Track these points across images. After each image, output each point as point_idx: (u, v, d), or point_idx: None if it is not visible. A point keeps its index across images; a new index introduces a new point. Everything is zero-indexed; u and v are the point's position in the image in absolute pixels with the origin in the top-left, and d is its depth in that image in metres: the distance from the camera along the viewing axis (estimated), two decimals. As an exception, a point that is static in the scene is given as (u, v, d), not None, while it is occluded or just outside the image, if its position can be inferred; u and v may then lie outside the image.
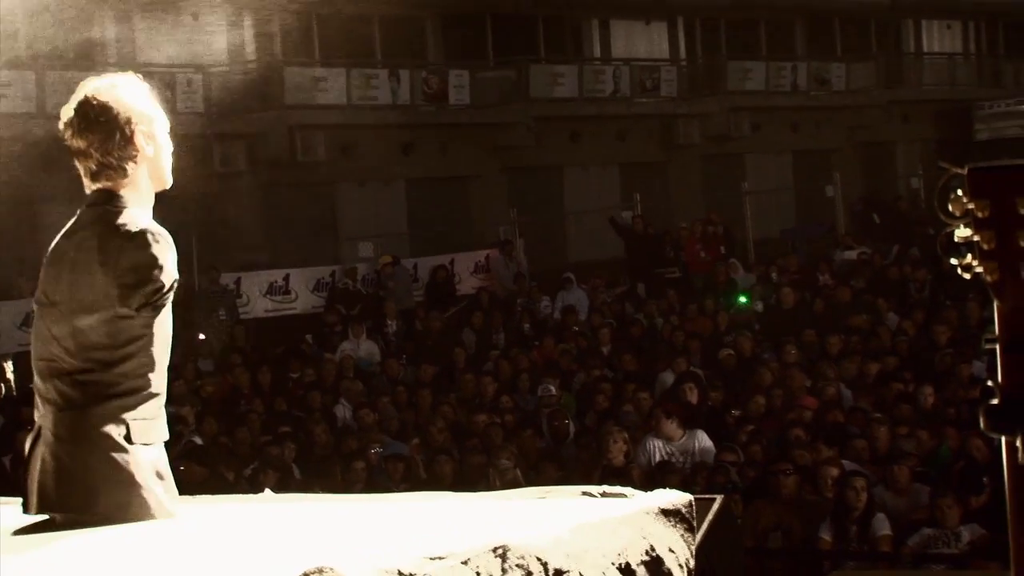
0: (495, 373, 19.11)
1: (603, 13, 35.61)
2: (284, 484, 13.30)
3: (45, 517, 4.56)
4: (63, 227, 4.64)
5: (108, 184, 4.54)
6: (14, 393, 20.19)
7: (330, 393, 18.59)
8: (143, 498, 4.46)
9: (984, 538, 11.64)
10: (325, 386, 18.94)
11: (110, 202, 4.53)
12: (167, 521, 4.47)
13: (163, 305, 4.50)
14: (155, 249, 4.43)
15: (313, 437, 16.37)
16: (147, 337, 4.49)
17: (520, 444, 15.32)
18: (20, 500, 4.79)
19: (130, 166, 4.55)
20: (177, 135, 4.75)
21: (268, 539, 4.21)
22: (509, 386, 18.44)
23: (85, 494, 4.46)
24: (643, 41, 36.70)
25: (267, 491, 5.16)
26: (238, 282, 24.93)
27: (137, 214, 4.51)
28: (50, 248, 4.63)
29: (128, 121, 4.54)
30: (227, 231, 26.32)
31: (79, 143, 4.54)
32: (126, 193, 4.54)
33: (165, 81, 23.84)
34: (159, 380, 4.55)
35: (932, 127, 40.13)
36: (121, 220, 4.48)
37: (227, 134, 27.12)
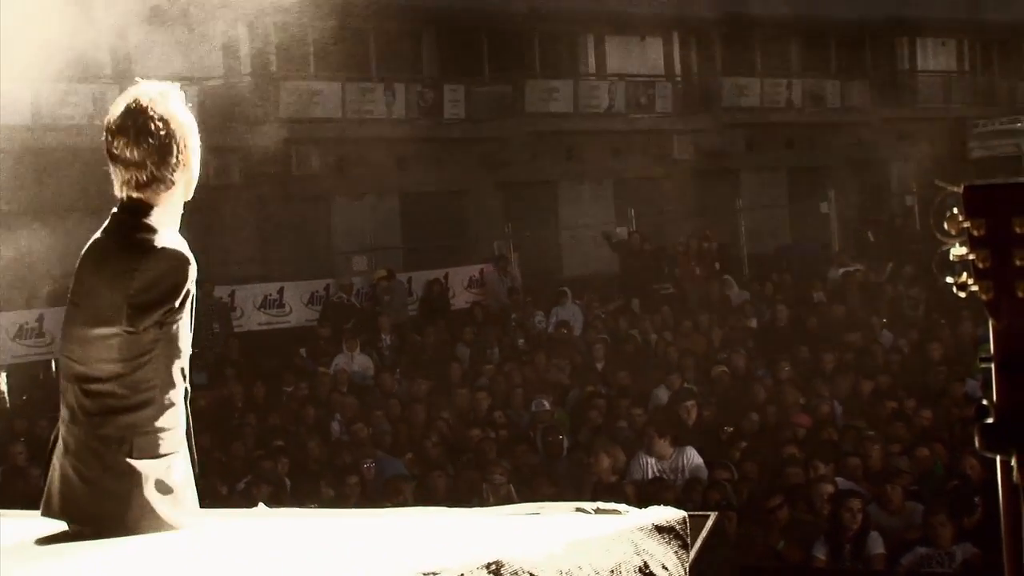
0: (489, 388, 19.09)
1: (598, 29, 35.63)
2: (277, 498, 13.28)
3: (64, 528, 4.59)
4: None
5: (145, 196, 4.55)
6: (7, 405, 20.16)
7: (324, 407, 18.57)
8: (141, 511, 4.48)
9: (977, 557, 11.63)
10: (319, 400, 18.92)
11: (138, 214, 4.53)
12: (164, 535, 4.47)
13: (172, 323, 4.50)
14: (168, 269, 4.46)
15: (307, 451, 16.37)
16: (157, 350, 4.50)
17: (514, 459, 15.32)
18: (17, 512, 4.80)
19: (178, 179, 4.58)
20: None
21: (262, 555, 4.21)
22: (503, 401, 18.42)
23: (84, 505, 4.49)
24: (638, 57, 36.72)
25: (260, 505, 5.14)
26: (232, 295, 24.91)
27: (161, 229, 4.52)
28: (85, 248, 4.64)
29: (183, 137, 4.57)
30: (221, 244, 26.30)
31: (134, 154, 4.51)
32: (159, 206, 4.55)
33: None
34: (169, 391, 4.55)
35: (927, 145, 40.15)
36: (143, 235, 4.49)
37: (222, 147, 27.10)
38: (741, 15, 35.45)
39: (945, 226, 2.92)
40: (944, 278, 2.98)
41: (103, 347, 4.48)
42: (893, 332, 20.67)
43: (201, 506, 4.74)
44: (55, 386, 4.76)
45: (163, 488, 4.52)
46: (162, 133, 4.51)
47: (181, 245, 4.52)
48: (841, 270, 26.87)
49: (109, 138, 4.55)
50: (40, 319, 22.44)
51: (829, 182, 36.22)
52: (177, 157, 4.55)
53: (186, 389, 4.66)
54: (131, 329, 4.43)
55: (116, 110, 4.56)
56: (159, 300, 4.44)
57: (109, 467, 4.47)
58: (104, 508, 4.47)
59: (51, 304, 23.53)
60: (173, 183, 4.56)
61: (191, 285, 4.49)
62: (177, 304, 4.47)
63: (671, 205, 34.33)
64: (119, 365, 4.47)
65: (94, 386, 4.50)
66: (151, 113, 4.51)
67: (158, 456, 4.52)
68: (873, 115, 39.25)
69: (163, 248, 4.46)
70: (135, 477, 4.47)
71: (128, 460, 4.47)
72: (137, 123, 4.50)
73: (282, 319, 25.88)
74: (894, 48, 41.68)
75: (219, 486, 14.32)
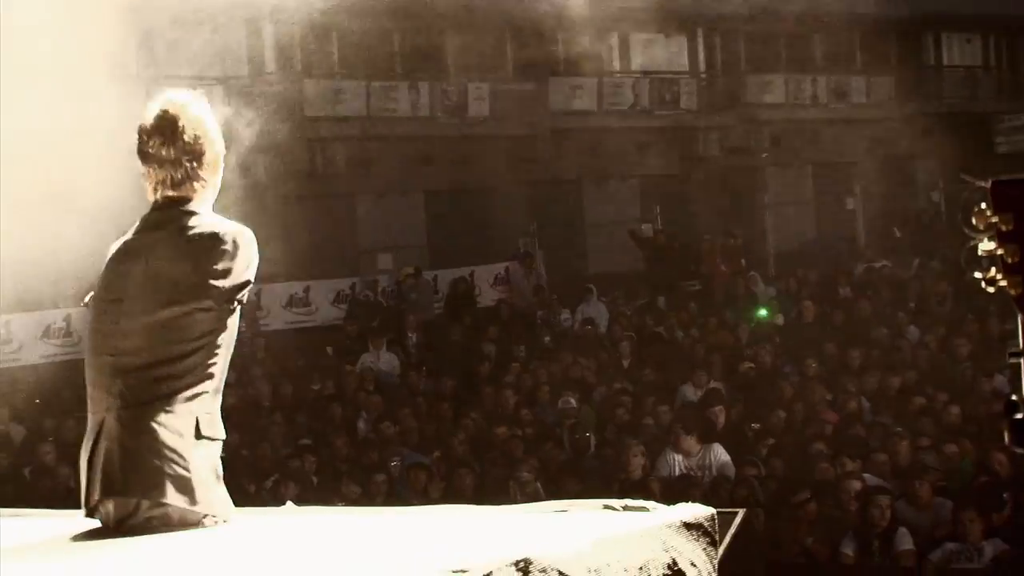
0: (516, 386, 19.07)
1: (623, 26, 35.57)
2: (305, 496, 13.29)
3: (98, 524, 4.60)
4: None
5: (182, 193, 4.70)
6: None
7: (350, 405, 18.58)
8: (198, 490, 4.55)
9: (1007, 553, 11.59)
10: (345, 398, 18.93)
11: (184, 207, 4.70)
12: (205, 530, 4.53)
13: (242, 302, 4.69)
14: (246, 249, 4.66)
15: (334, 449, 16.38)
16: (216, 332, 4.63)
17: (541, 457, 15.30)
18: (44, 512, 4.81)
19: (209, 180, 4.75)
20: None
21: (291, 553, 4.22)
22: (529, 399, 18.40)
23: (151, 482, 4.53)
24: (662, 54, 36.67)
25: (288, 504, 5.15)
26: (258, 294, 24.94)
27: (217, 217, 4.72)
28: (114, 248, 4.76)
29: (213, 140, 4.77)
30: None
31: (169, 152, 4.68)
32: (198, 201, 4.72)
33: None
34: (221, 377, 4.68)
35: (952, 140, 40.01)
36: (196, 220, 4.66)
37: (246, 146, 27.11)
38: (765, 11, 35.35)
39: (973, 221, 2.91)
40: (972, 273, 2.97)
41: (167, 329, 4.58)
42: (920, 328, 20.60)
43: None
44: (83, 385, 4.78)
45: (217, 475, 4.65)
46: (195, 134, 4.69)
47: (246, 229, 4.72)
48: (867, 266, 26.83)
49: (144, 138, 4.72)
50: (67, 318, 22.52)
51: (855, 178, 36.14)
52: (208, 157, 4.73)
53: None
54: (209, 304, 4.57)
55: (150, 114, 4.73)
56: (239, 274, 4.64)
57: (176, 446, 4.54)
58: (169, 487, 4.52)
59: (78, 303, 23.62)
60: (205, 181, 4.73)
61: (255, 268, 4.70)
62: (252, 279, 4.68)
63: (696, 202, 34.30)
64: (181, 345, 4.58)
65: (152, 371, 4.57)
66: (184, 116, 4.70)
67: (216, 439, 4.66)
68: (898, 110, 39.13)
69: (231, 227, 4.68)
70: (200, 457, 4.57)
71: (196, 440, 4.57)
72: (171, 124, 4.69)
73: (308, 318, 25.92)
74: (919, 43, 41.54)
75: (247, 484, 14.34)
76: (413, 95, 30.82)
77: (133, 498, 4.55)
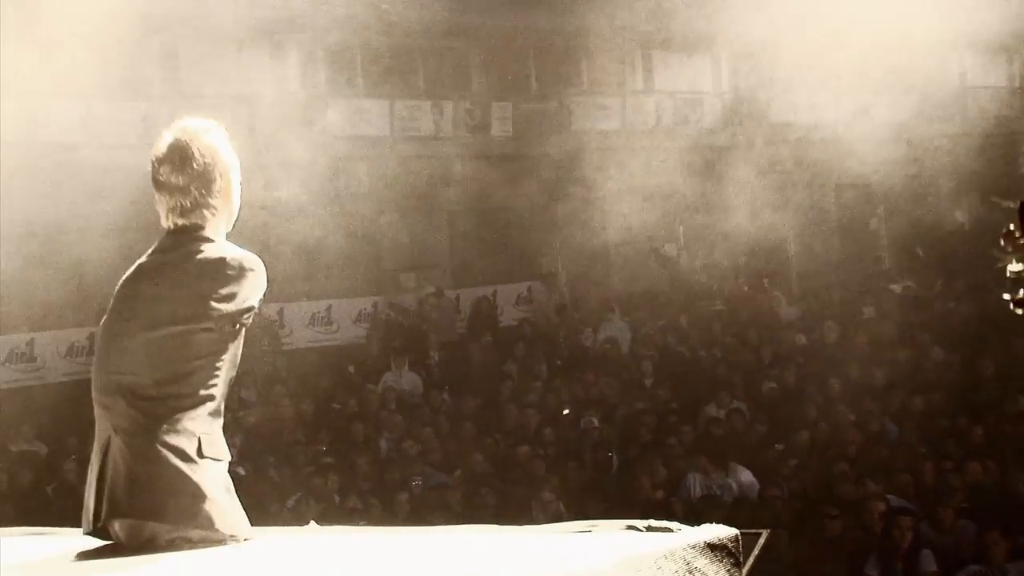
0: (538, 405, 19.05)
1: (646, 45, 35.59)
2: (327, 515, 13.28)
3: (107, 542, 4.61)
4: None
5: (192, 220, 4.74)
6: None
7: (372, 424, 18.58)
8: (211, 510, 4.55)
9: (1031, 575, 11.55)
10: (367, 417, 18.94)
11: (196, 233, 4.73)
12: (228, 544, 4.54)
13: (244, 326, 4.69)
14: (253, 275, 4.68)
15: (356, 468, 16.38)
16: (217, 355, 4.64)
17: (563, 476, 15.28)
18: (67, 530, 4.81)
19: (220, 207, 4.78)
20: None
21: (313, 572, 4.20)
22: (552, 418, 18.38)
23: (155, 502, 4.54)
24: (686, 73, 36.65)
25: (312, 523, 5.14)
26: (280, 312, 24.97)
27: (229, 244, 4.76)
28: (127, 275, 4.80)
29: (225, 169, 4.79)
30: (269, 261, 26.23)
31: (178, 180, 4.73)
32: (209, 228, 4.75)
33: (210, 113, 23.87)
34: (221, 399, 4.69)
35: (976, 160, 39.90)
36: (209, 245, 4.70)
37: (270, 164, 27.16)
38: (788, 31, 35.31)
39: (1002, 242, 2.88)
40: (1002, 294, 2.94)
41: (168, 346, 4.60)
42: (944, 348, 20.52)
43: (252, 523, 4.75)
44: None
45: (229, 492, 4.64)
46: (205, 161, 4.74)
47: (257, 258, 4.75)
48: (891, 286, 26.75)
49: (156, 166, 4.77)
50: (91, 337, 22.56)
51: (878, 198, 36.05)
52: (219, 185, 4.76)
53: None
54: (210, 326, 4.59)
55: (162, 143, 4.79)
56: (243, 299, 4.65)
57: (179, 464, 4.54)
58: (173, 505, 4.53)
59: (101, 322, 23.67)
60: (216, 209, 4.77)
61: (261, 296, 4.73)
62: (256, 305, 4.69)
63: (720, 222, 34.23)
64: (181, 364, 4.59)
65: (154, 390, 4.58)
66: (194, 144, 4.75)
67: (220, 460, 4.65)
68: (922, 130, 39.02)
69: (240, 253, 4.71)
70: (205, 476, 4.57)
71: (199, 459, 4.57)
72: (182, 152, 4.74)
73: (330, 336, 25.92)
74: (944, 63, 41.44)
75: (269, 503, 14.35)
76: (436, 114, 30.84)
77: (141, 520, 4.56)
